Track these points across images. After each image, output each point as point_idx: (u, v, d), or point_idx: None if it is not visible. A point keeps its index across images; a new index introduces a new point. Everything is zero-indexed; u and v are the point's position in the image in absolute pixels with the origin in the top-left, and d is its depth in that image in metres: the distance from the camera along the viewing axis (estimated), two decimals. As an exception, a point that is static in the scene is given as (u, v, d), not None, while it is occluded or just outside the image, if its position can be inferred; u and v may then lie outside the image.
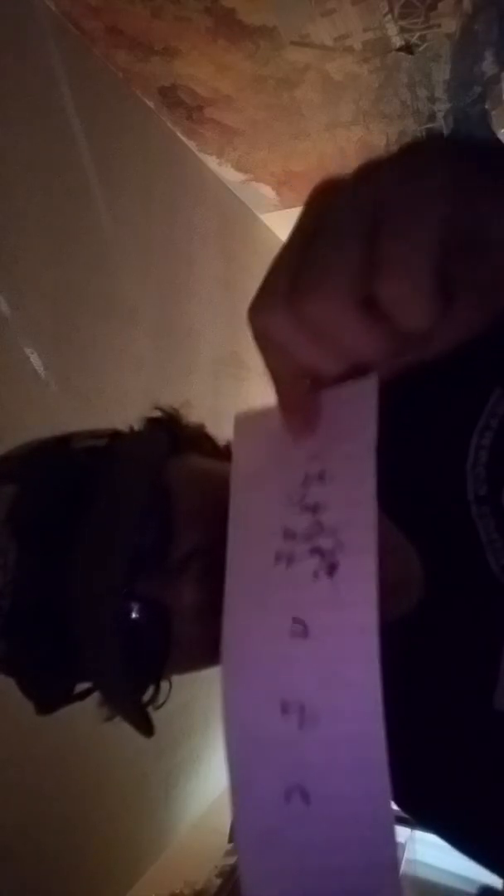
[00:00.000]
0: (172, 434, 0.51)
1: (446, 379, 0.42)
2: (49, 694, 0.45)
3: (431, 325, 0.21)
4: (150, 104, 1.67)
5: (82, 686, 0.45)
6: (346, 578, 0.23)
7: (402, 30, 1.41)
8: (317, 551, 0.24)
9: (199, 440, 0.54)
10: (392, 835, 0.22)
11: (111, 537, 0.39)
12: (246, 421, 0.29)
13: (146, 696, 0.44)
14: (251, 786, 0.24)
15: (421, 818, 0.45)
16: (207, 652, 0.44)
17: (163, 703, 0.45)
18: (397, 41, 1.44)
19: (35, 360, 1.25)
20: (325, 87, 1.60)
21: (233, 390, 2.03)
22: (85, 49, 1.45)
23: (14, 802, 1.16)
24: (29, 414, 1.21)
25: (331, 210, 0.23)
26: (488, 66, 1.53)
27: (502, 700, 0.38)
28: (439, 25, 1.39)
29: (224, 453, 0.54)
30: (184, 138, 1.82)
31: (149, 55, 1.49)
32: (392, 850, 0.22)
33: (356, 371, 0.25)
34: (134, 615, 0.40)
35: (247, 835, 0.24)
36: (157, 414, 0.54)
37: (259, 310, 0.24)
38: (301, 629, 0.23)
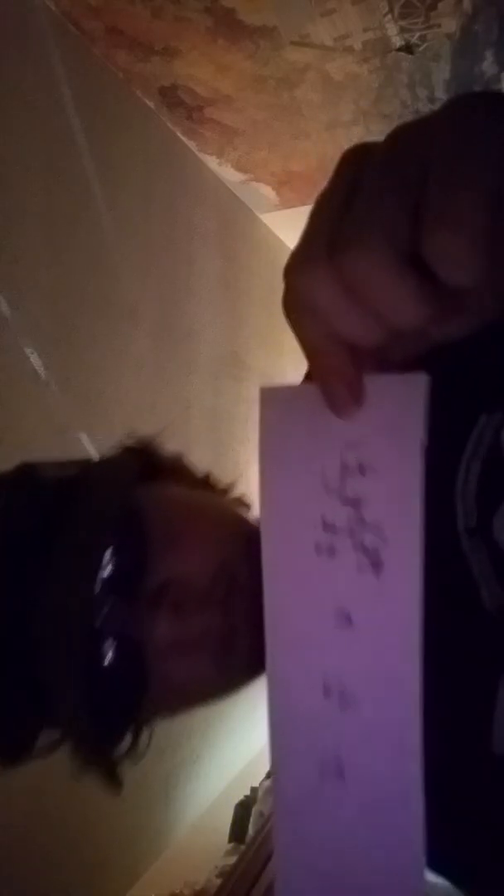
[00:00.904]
0: (146, 461, 0.48)
1: (430, 406, 0.40)
2: (12, 743, 0.41)
3: (475, 287, 0.19)
4: (150, 104, 1.67)
5: (51, 735, 0.41)
6: (391, 575, 0.24)
7: (402, 30, 1.40)
8: (360, 547, 0.24)
9: (175, 469, 0.51)
10: (420, 820, 0.23)
11: (79, 570, 0.37)
12: (274, 396, 0.26)
13: (123, 745, 0.41)
14: (290, 759, 0.25)
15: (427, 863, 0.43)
16: (187, 691, 0.42)
17: (143, 754, 0.42)
18: (397, 41, 1.44)
19: (35, 360, 1.25)
20: (325, 87, 1.60)
21: (233, 390, 2.03)
22: (85, 49, 1.45)
23: (14, 802, 1.16)
24: (29, 414, 1.21)
25: (372, 164, 0.21)
26: (488, 66, 1.53)
27: (501, 743, 0.35)
28: (439, 25, 1.39)
29: (203, 483, 0.52)
30: (184, 138, 1.82)
31: (149, 55, 1.49)
32: (418, 836, 0.23)
33: (392, 351, 0.23)
34: (105, 653, 0.37)
35: (283, 805, 0.26)
36: (132, 443, 0.52)
37: (297, 270, 0.21)
38: (345, 619, 0.24)
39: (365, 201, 0.20)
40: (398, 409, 0.24)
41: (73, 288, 1.38)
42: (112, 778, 0.38)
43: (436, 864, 0.42)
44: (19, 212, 1.25)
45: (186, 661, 0.39)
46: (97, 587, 0.36)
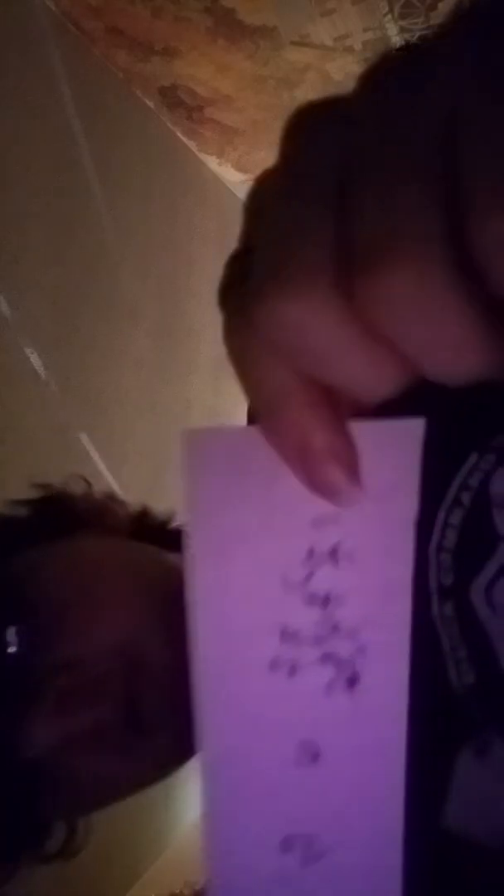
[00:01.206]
0: (51, 514, 0.42)
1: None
2: None
3: None
4: (150, 104, 1.67)
5: None
6: (370, 691, 0.18)
7: (402, 30, 1.41)
8: (330, 658, 0.18)
9: (95, 517, 0.44)
10: None
11: None
12: (203, 445, 0.18)
13: (50, 846, 0.36)
14: None
15: None
16: (96, 790, 0.37)
17: (76, 852, 0.37)
18: (397, 41, 1.44)
19: (35, 360, 1.25)
20: (325, 87, 1.60)
21: (233, 390, 2.03)
22: (85, 49, 1.45)
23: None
24: (29, 414, 1.21)
25: (364, 130, 0.13)
26: (488, 66, 1.53)
27: (454, 818, 0.32)
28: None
29: (132, 526, 0.45)
30: (184, 138, 1.82)
31: (149, 55, 1.49)
32: None
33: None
34: None
35: None
36: (37, 493, 0.45)
37: (282, 295, 0.13)
38: (311, 753, 0.19)
39: (376, 190, 0.12)
40: (385, 469, 0.17)
41: (73, 288, 1.38)
42: None
43: None
44: (19, 212, 1.25)
45: (85, 759, 0.34)
46: None
